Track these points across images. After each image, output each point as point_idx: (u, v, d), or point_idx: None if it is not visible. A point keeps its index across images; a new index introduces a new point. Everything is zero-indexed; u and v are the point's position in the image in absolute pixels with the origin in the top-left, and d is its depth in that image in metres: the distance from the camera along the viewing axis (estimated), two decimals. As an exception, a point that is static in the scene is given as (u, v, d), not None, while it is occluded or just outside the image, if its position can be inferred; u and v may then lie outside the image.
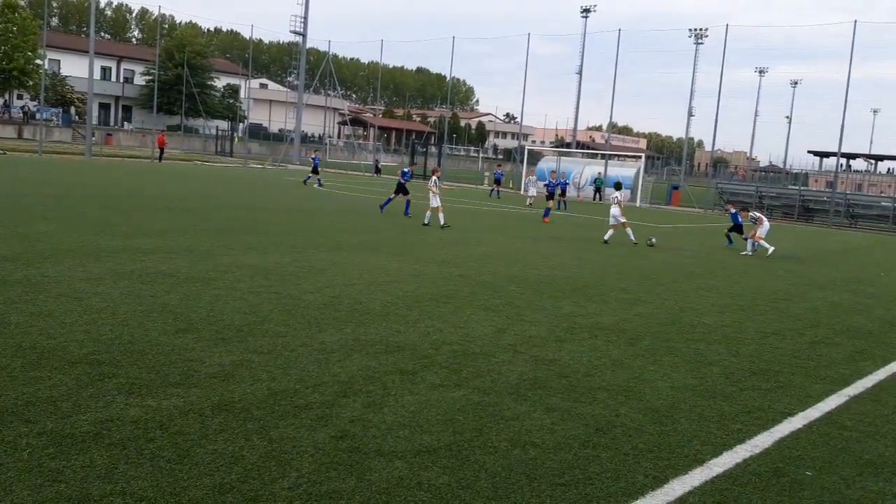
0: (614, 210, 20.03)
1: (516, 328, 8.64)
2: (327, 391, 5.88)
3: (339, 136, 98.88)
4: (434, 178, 21.10)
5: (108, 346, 6.57)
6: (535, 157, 56.23)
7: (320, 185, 35.40)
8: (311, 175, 36.84)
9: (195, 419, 5.08)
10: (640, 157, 51.91)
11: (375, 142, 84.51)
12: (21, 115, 68.87)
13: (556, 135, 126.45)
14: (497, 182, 41.20)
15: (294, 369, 6.36)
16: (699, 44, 54.74)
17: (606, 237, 19.80)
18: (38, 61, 63.26)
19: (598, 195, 44.05)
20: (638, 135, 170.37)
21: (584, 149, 65.46)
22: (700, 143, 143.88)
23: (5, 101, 69.75)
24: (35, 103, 66.72)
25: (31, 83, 64.43)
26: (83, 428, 4.76)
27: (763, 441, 5.65)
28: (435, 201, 20.14)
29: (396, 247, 15.22)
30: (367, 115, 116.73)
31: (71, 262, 10.34)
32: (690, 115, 54.89)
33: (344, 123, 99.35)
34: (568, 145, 68.55)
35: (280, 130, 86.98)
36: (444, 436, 5.17)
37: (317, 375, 6.25)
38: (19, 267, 9.72)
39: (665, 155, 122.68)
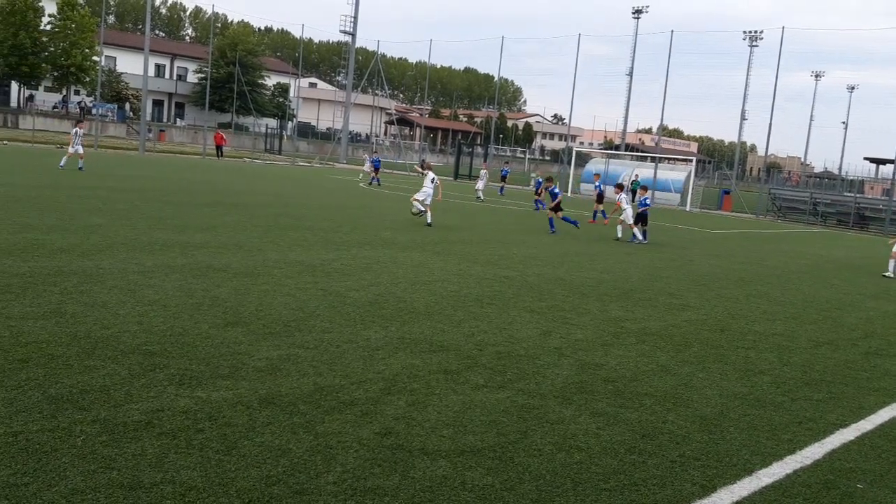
0: (628, 210, 21.15)
1: (562, 331, 8.58)
2: (372, 388, 5.91)
3: (385, 136, 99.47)
4: (432, 174, 19.98)
5: (159, 337, 6.71)
6: (582, 158, 55.78)
7: (378, 183, 36.10)
8: (375, 177, 37.11)
9: (243, 411, 5.15)
10: (690, 160, 51.15)
11: (421, 141, 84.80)
12: (78, 110, 70.78)
13: (605, 137, 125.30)
14: (503, 179, 41.21)
15: (339, 365, 6.41)
16: (754, 46, 53.66)
17: (619, 235, 20.81)
18: (94, 58, 64.92)
19: (634, 197, 43.60)
20: (689, 138, 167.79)
21: (633, 151, 64.70)
22: (753, 148, 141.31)
23: (63, 96, 71.72)
24: (91, 99, 68.51)
25: (87, 79, 66.14)
26: (135, 417, 4.87)
27: (814, 452, 5.52)
28: (422, 195, 19.45)
29: (441, 246, 15.25)
30: (414, 114, 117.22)
31: (125, 255, 10.58)
32: (743, 118, 53.76)
33: (391, 123, 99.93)
34: (617, 147, 67.91)
35: (328, 129, 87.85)
36: (487, 437, 5.16)
37: (361, 372, 6.29)
38: (75, 258, 9.98)
39: (716, 159, 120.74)
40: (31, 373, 5.46)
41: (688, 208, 41.19)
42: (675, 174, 46.96)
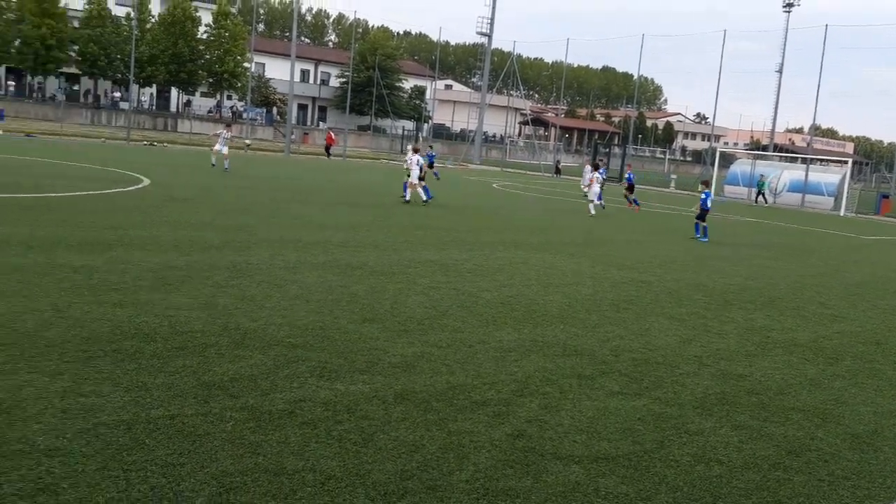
0: (595, 188, 24.12)
1: (702, 339, 8.26)
2: (504, 389, 5.92)
3: (519, 136, 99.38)
4: (417, 157, 21.85)
5: (302, 330, 7.00)
6: (727, 159, 53.46)
7: (436, 176, 34.78)
8: (434, 171, 36.41)
9: (379, 405, 5.29)
10: (845, 162, 47.92)
11: (556, 142, 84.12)
12: (230, 114, 75.16)
13: (751, 137, 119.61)
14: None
15: (472, 365, 6.46)
16: (919, 38, 49.52)
17: (592, 211, 23.19)
18: (245, 65, 68.69)
19: (759, 197, 41.33)
20: (844, 138, 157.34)
21: (782, 152, 61.40)
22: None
23: (217, 101, 76.36)
24: (242, 104, 72.57)
25: (239, 85, 70.05)
26: (279, 406, 5.11)
27: None
28: (414, 178, 21.39)
29: (574, 248, 15.05)
30: (549, 114, 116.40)
31: (271, 252, 11.13)
32: (906, 116, 49.82)
33: (525, 123, 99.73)
34: (764, 148, 64.65)
35: (462, 130, 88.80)
36: (622, 444, 5.04)
37: (493, 373, 6.31)
38: (227, 254, 10.60)
39: (874, 161, 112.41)
40: (187, 360, 5.85)
41: (842, 213, 38.58)
42: (828, 176, 44.09)
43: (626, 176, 31.03)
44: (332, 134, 55.30)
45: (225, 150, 28.24)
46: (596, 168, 26.44)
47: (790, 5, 51.02)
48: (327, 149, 51.95)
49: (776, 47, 52.25)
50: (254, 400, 5.17)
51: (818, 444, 5.39)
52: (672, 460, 4.86)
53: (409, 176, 21.85)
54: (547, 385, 6.12)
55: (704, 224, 18.94)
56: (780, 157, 53.39)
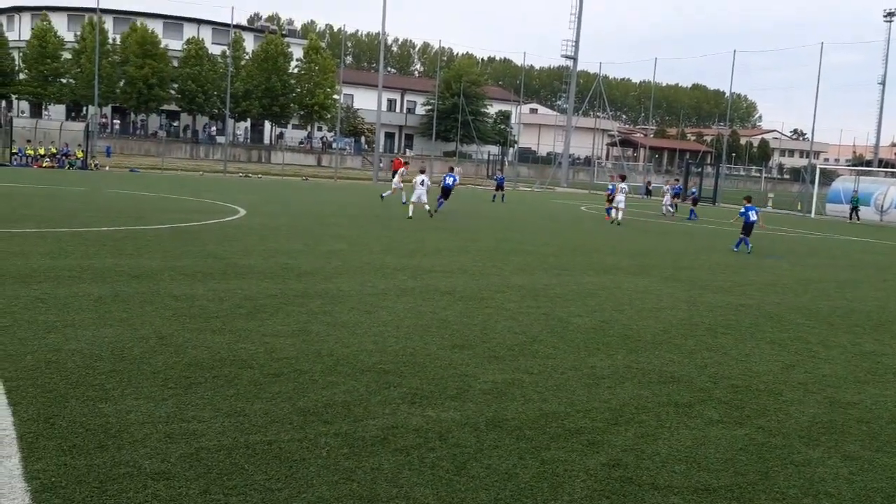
0: (620, 197, 26.81)
1: (807, 365, 7.88)
2: (598, 417, 5.79)
3: (607, 158, 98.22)
4: (423, 177, 23.27)
5: (392, 356, 7.06)
6: (828, 176, 51.28)
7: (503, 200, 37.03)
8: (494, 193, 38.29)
9: (471, 433, 5.26)
10: (956, 175, 45.17)
11: (646, 162, 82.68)
12: (320, 145, 77.32)
13: (854, 152, 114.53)
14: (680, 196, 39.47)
15: (564, 392, 6.35)
16: None
17: (619, 218, 26.73)
18: (335, 97, 70.64)
19: (854, 214, 39.29)
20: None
21: (887, 167, 58.46)
22: None
23: (308, 132, 78.72)
24: (332, 134, 74.55)
25: (328, 116, 72.05)
26: (372, 432, 5.14)
27: None
28: (414, 197, 22.85)
29: (668, 271, 14.68)
30: (638, 135, 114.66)
31: (361, 278, 11.31)
32: None
33: (613, 145, 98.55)
34: (868, 163, 61.72)
35: (548, 154, 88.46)
36: (724, 475, 4.83)
37: (587, 400, 6.18)
38: (319, 281, 10.83)
39: None
40: (283, 386, 5.98)
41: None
42: (938, 191, 41.73)
43: (693, 192, 38.46)
44: (401, 160, 55.75)
45: (401, 185, 28.54)
46: (622, 179, 28.92)
47: (891, 14, 48.78)
48: (394, 174, 52.07)
49: (878, 58, 49.92)
50: (347, 426, 5.22)
51: (940, 479, 5.03)
52: (777, 492, 4.63)
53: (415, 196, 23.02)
54: (643, 413, 5.95)
55: (748, 237, 19.63)
56: (886, 172, 50.83)
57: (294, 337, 7.52)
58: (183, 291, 9.37)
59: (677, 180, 49.73)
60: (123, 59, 63.92)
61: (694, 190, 39.89)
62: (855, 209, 40.00)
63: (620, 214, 27.03)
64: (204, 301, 8.90)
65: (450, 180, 26.97)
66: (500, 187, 38.60)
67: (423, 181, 22.86)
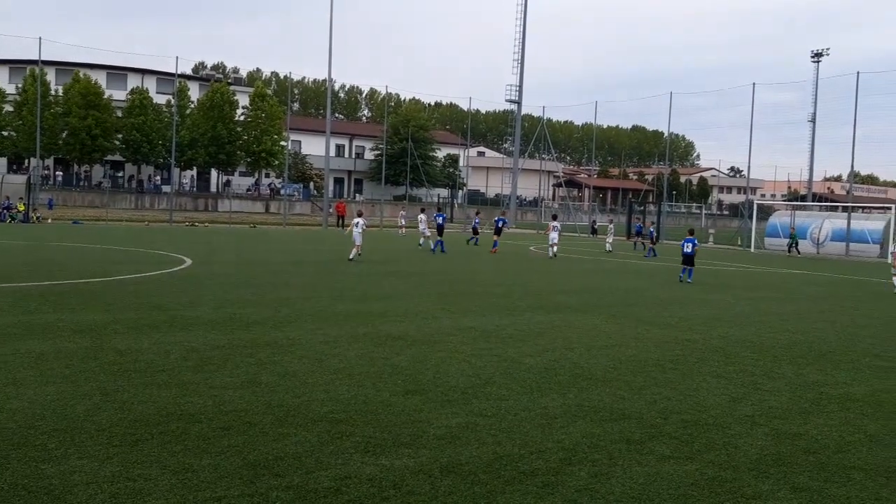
0: (553, 235, 30.30)
1: (753, 398, 8.04)
2: (552, 458, 5.80)
3: (553, 199, 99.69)
4: (360, 220, 24.41)
5: (345, 405, 6.98)
6: (765, 212, 52.85)
7: (476, 243, 35.92)
8: (476, 237, 37.14)
9: (425, 480, 5.21)
10: (889, 208, 47.03)
11: (591, 202, 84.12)
12: (268, 191, 76.80)
13: (789, 187, 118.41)
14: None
15: (518, 434, 6.36)
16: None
17: (552, 252, 29.89)
18: (282, 143, 70.47)
19: (793, 248, 40.84)
20: (885, 184, 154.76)
21: (821, 201, 60.54)
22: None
23: (255, 179, 78.18)
24: (280, 180, 74.15)
25: (276, 162, 71.72)
26: (325, 483, 5.06)
27: None
28: (359, 239, 23.86)
29: (615, 308, 14.88)
30: (582, 175, 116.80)
31: (311, 326, 11.20)
32: (947, 159, 49.02)
33: (558, 185, 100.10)
34: (803, 198, 63.87)
35: (496, 195, 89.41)
36: (677, 512, 4.87)
37: (540, 441, 6.20)
38: (268, 330, 10.69)
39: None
40: (232, 440, 5.85)
41: (890, 259, 37.66)
42: (871, 224, 43.33)
43: (637, 227, 42.42)
44: (344, 205, 55.13)
45: (428, 232, 30.89)
46: (554, 218, 32.93)
47: (819, 55, 51.06)
48: (340, 218, 51.33)
49: (809, 96, 52.05)
50: (299, 478, 5.13)
51: (884, 505, 5.16)
52: (730, 527, 4.68)
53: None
54: (595, 452, 5.99)
55: (691, 267, 21.55)
56: (820, 206, 52.65)
57: (243, 388, 7.39)
58: (127, 345, 9.15)
59: (612, 220, 49.96)
60: (66, 110, 62.86)
61: (652, 230, 40.19)
62: (795, 243, 41.29)
63: (554, 249, 30.29)
64: (149, 355, 8.71)
65: (439, 219, 31.74)
66: (498, 232, 33.86)
67: (358, 223, 24.22)
